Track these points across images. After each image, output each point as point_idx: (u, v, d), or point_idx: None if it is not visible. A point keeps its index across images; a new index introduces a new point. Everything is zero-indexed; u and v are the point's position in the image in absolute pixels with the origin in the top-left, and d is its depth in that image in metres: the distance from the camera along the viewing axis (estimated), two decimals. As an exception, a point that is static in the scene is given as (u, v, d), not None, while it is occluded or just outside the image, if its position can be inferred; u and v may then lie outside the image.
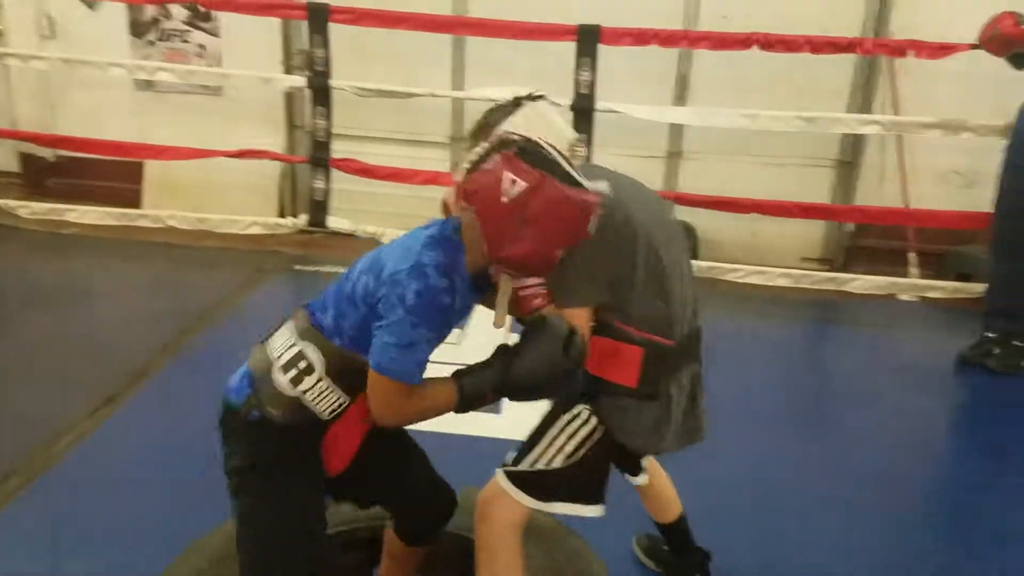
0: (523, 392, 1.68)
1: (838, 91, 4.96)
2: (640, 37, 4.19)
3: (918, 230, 4.88)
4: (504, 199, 1.55)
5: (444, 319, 1.61)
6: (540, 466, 1.85)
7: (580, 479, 1.87)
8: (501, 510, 1.88)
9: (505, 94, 4.40)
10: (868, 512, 2.85)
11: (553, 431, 1.86)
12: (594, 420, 1.85)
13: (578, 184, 1.58)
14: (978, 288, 4.32)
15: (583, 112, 4.32)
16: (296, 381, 1.65)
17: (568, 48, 4.43)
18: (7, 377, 3.47)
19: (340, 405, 1.68)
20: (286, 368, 1.65)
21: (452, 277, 1.59)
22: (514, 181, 1.55)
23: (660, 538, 2.41)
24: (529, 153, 1.58)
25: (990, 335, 3.92)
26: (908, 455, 3.32)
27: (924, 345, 4.29)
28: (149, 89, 5.43)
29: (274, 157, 5.07)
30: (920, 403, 3.70)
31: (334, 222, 4.66)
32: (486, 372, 1.67)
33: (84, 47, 5.23)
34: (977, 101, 4.57)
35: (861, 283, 4.45)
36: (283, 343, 1.68)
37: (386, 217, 4.99)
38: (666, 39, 4.28)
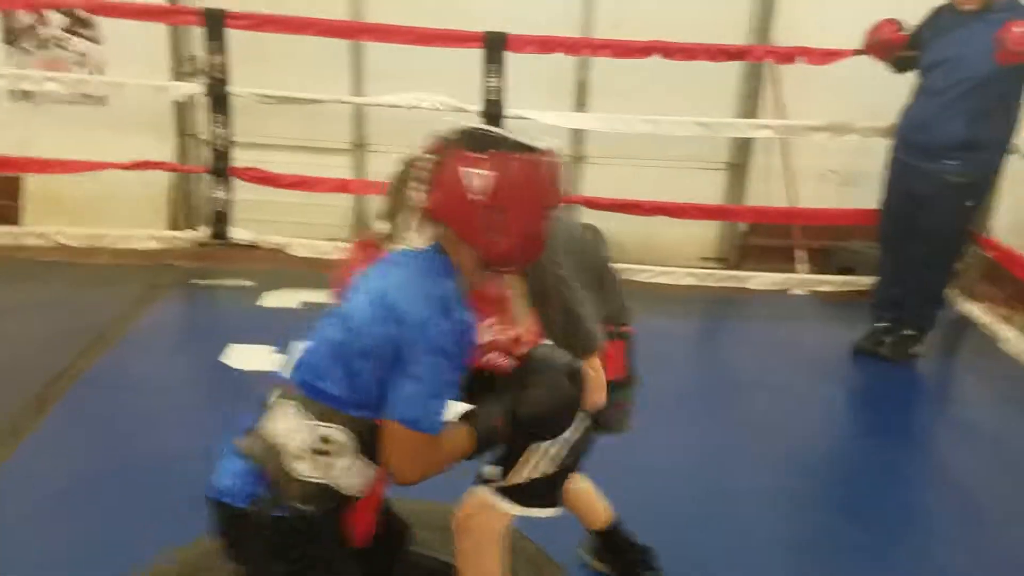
0: (535, 426, 1.62)
1: (726, 96, 5.18)
2: (546, 45, 4.26)
3: (804, 228, 5.15)
4: (473, 197, 1.47)
5: (468, 357, 1.53)
6: (535, 475, 1.86)
7: (554, 482, 1.90)
8: (485, 521, 1.88)
9: (410, 100, 4.42)
10: (779, 496, 3.01)
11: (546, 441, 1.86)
12: (586, 422, 1.89)
13: (530, 147, 1.52)
14: (865, 281, 4.59)
15: (493, 118, 4.34)
16: (327, 467, 1.52)
17: (464, 53, 4.45)
18: None
19: (371, 476, 1.58)
20: (311, 455, 1.51)
21: (468, 308, 1.52)
22: (475, 175, 1.47)
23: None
24: (473, 139, 1.51)
25: (880, 325, 4.18)
26: (814, 440, 3.52)
27: (819, 336, 4.52)
28: (25, 100, 5.11)
29: (172, 168, 4.87)
30: (821, 391, 3.91)
31: (237, 233, 4.51)
32: (495, 409, 1.58)
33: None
34: (853, 104, 4.84)
35: (759, 279, 4.65)
36: (291, 428, 1.52)
37: (291, 227, 4.88)
38: (571, 47, 4.36)
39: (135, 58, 4.98)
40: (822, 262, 5.15)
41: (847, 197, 5.11)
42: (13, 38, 5.05)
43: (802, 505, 3.00)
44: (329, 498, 1.54)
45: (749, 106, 5.15)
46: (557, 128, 4.77)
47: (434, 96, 4.36)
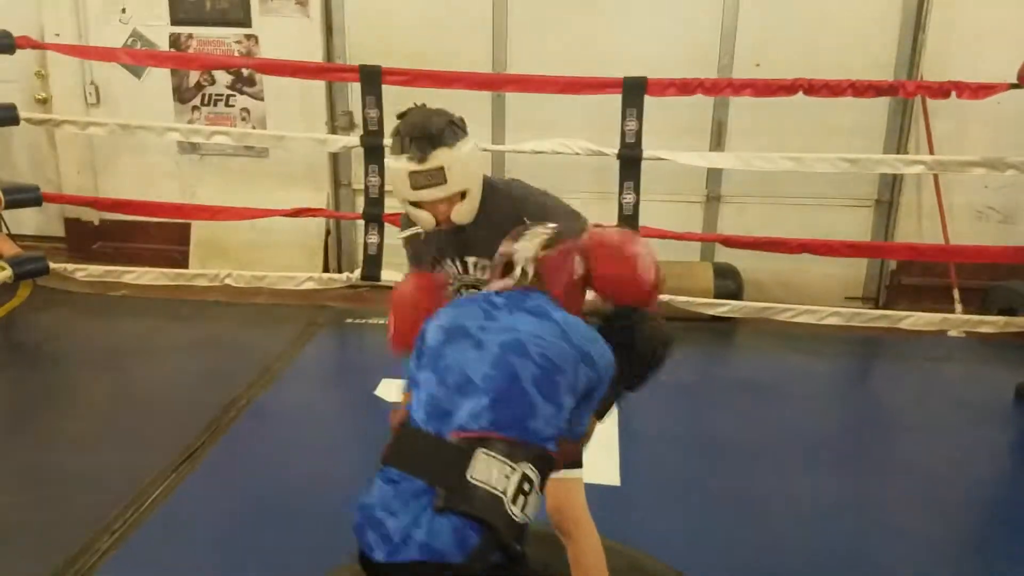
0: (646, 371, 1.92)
1: (872, 132, 5.07)
2: (686, 87, 4.30)
3: (959, 266, 4.94)
4: (572, 267, 1.91)
5: None
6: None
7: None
8: (570, 500, 2.11)
9: (551, 146, 4.53)
10: (935, 543, 2.90)
11: None
12: None
13: None
14: (1028, 321, 4.36)
15: (630, 160, 4.40)
16: (531, 506, 1.61)
17: (604, 97, 4.53)
18: (83, 440, 3.49)
19: None
20: (516, 498, 1.57)
21: None
22: (577, 259, 1.93)
23: None
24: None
25: (1047, 367, 3.96)
26: (976, 487, 3.36)
27: (979, 379, 4.32)
28: (192, 152, 5.54)
29: (329, 215, 5.17)
30: (982, 436, 3.73)
31: (387, 275, 4.71)
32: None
33: (128, 113, 5.34)
34: (1007, 138, 4.67)
35: (912, 320, 4.48)
36: (502, 473, 1.56)
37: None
38: (711, 88, 4.38)
39: (294, 114, 5.34)
40: (979, 302, 4.91)
41: (1006, 235, 4.91)
42: (184, 96, 5.49)
43: (961, 553, 2.89)
44: (526, 535, 1.61)
45: (898, 142, 5.02)
46: (694, 168, 4.81)
47: (573, 141, 4.45)
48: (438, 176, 1.98)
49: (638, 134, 4.36)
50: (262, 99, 5.44)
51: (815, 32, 4.94)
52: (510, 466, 1.57)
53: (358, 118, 5.23)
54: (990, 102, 4.34)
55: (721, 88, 4.44)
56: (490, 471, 1.55)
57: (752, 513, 3.02)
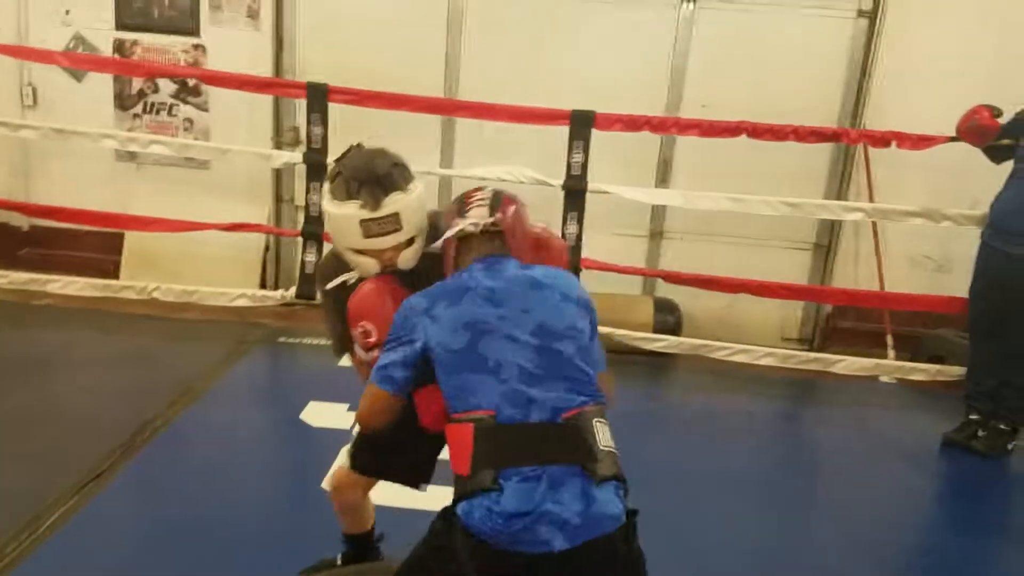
0: None
1: (815, 178, 5.14)
2: (632, 123, 4.32)
3: (893, 313, 5.01)
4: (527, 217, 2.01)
5: None
6: None
7: None
8: None
9: (496, 173, 4.51)
10: None
11: None
12: None
13: None
14: (958, 371, 4.42)
15: (575, 193, 4.40)
16: None
17: (550, 129, 4.53)
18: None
19: None
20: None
21: None
22: (522, 205, 2.01)
23: None
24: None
25: (973, 417, 4.00)
26: (900, 532, 3.37)
27: (908, 426, 4.37)
28: (130, 161, 5.39)
29: (268, 231, 5.07)
30: (908, 482, 3.76)
31: (324, 296, 4.63)
32: None
33: (66, 117, 5.17)
34: (944, 189, 4.76)
35: (846, 364, 4.53)
36: (608, 435, 1.75)
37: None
38: (657, 126, 4.41)
39: (238, 127, 5.24)
40: (911, 349, 4.98)
41: (940, 283, 4.97)
42: (124, 103, 5.36)
43: None
44: None
45: (839, 187, 5.10)
46: (638, 203, 4.82)
47: (519, 169, 4.43)
48: (393, 223, 1.90)
49: (583, 166, 4.36)
50: (207, 110, 5.33)
51: (763, 75, 5.01)
52: (606, 423, 1.75)
53: (304, 134, 5.18)
54: (930, 152, 4.43)
55: (668, 127, 4.48)
56: (605, 435, 1.73)
57: (670, 550, 2.96)
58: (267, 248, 5.44)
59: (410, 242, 1.95)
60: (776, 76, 5.01)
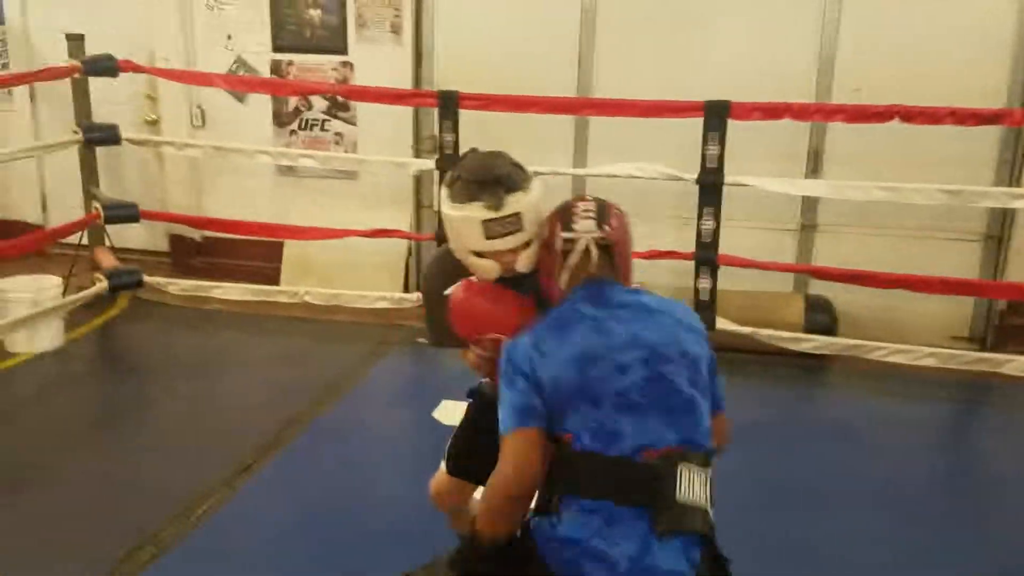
0: None
1: (984, 164, 4.73)
2: (771, 111, 4.12)
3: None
4: (629, 230, 1.91)
5: None
6: None
7: None
8: None
9: (628, 170, 4.40)
10: None
11: None
12: None
13: None
14: None
15: (710, 186, 4.25)
16: (714, 504, 1.69)
17: (692, 121, 4.39)
18: (145, 447, 3.62)
19: None
20: (713, 503, 1.68)
21: None
22: (624, 217, 1.91)
23: None
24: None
25: None
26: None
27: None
28: (290, 175, 5.72)
29: (403, 236, 5.22)
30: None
31: (459, 297, 4.72)
32: None
33: (230, 136, 5.56)
34: None
35: (1017, 364, 4.12)
36: (701, 484, 1.64)
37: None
38: (799, 112, 4.19)
39: (383, 138, 5.44)
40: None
41: None
42: (282, 121, 5.69)
43: None
44: None
45: (1010, 174, 4.66)
46: (788, 196, 4.60)
47: (651, 165, 4.33)
48: (515, 223, 1.84)
49: (720, 159, 4.20)
50: (355, 124, 5.57)
51: (919, 57, 4.66)
52: (705, 475, 1.65)
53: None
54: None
55: (810, 113, 4.25)
56: (693, 486, 1.62)
57: (819, 565, 2.82)
58: (410, 253, 5.61)
59: (527, 244, 1.90)
60: (934, 57, 4.65)
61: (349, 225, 5.12)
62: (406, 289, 5.48)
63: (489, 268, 1.90)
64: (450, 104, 4.50)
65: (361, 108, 5.49)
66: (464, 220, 1.85)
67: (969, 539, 3.08)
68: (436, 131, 4.85)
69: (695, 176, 4.28)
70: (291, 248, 5.69)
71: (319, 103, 5.62)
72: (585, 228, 1.81)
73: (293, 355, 4.63)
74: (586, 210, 1.83)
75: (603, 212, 1.83)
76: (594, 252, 1.80)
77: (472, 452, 2.23)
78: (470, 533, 1.80)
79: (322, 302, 4.97)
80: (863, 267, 4.44)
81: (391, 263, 5.57)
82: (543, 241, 1.87)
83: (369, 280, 5.44)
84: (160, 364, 4.62)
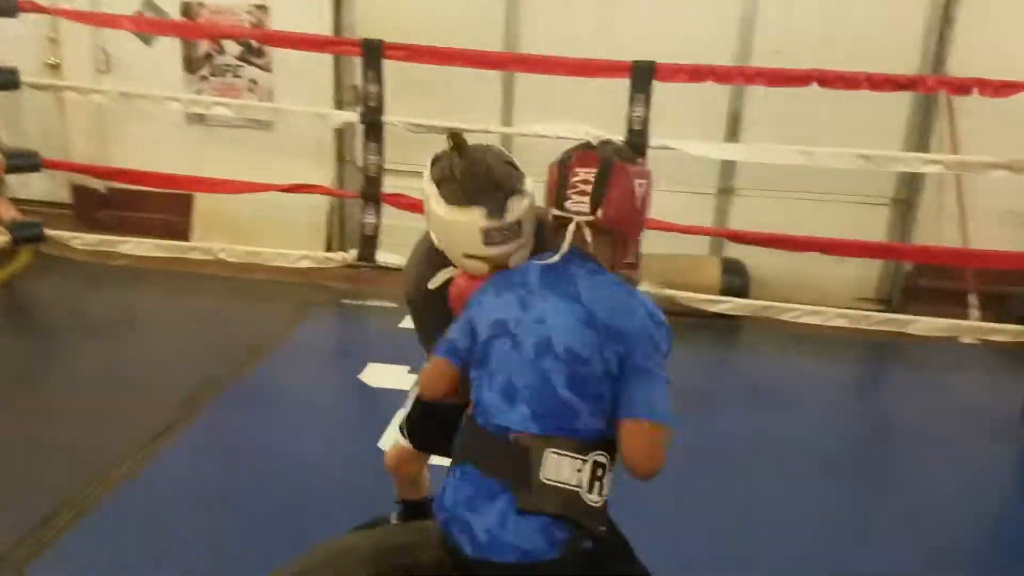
0: None
1: (894, 129, 4.88)
2: (695, 74, 4.15)
3: (978, 271, 4.75)
4: (637, 205, 1.69)
5: None
6: None
7: None
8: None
9: (557, 131, 4.37)
10: (940, 559, 2.78)
11: None
12: None
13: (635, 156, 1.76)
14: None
15: (636, 149, 4.25)
16: (605, 488, 1.64)
17: (616, 83, 4.39)
18: (57, 409, 3.46)
19: None
20: (592, 487, 1.61)
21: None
22: (639, 184, 1.69)
23: None
24: (623, 152, 1.73)
25: (1061, 381, 3.78)
26: (982, 503, 3.22)
27: (990, 390, 4.14)
28: (200, 123, 5.48)
29: (325, 192, 5.08)
30: (989, 449, 3.58)
31: (383, 257, 4.64)
32: None
33: (137, 82, 5.28)
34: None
35: (922, 325, 4.32)
36: (572, 469, 1.59)
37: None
38: (722, 75, 4.23)
39: (301, 87, 5.24)
40: (997, 309, 4.72)
41: (1027, 240, 4.69)
42: (193, 66, 5.43)
43: (960, 569, 2.78)
44: (606, 512, 1.66)
45: (919, 140, 4.83)
46: (707, 160, 4.66)
47: (578, 127, 4.32)
48: (515, 231, 1.77)
49: (645, 121, 4.22)
50: (270, 71, 5.36)
51: (838, 21, 4.75)
52: (580, 459, 1.60)
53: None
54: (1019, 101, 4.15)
55: (732, 76, 4.30)
56: (560, 469, 1.59)
57: (741, 520, 2.91)
58: (332, 209, 5.47)
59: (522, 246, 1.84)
60: (852, 22, 4.74)
61: (264, 178, 4.95)
62: (328, 248, 5.36)
63: (480, 268, 1.83)
64: (374, 54, 4.36)
65: (277, 54, 5.27)
66: (461, 225, 1.76)
67: (892, 484, 3.22)
68: (360, 82, 4.72)
69: (622, 138, 4.27)
70: (202, 202, 5.48)
71: (232, 48, 5.39)
72: (577, 208, 1.67)
73: (209, 314, 4.49)
74: (585, 180, 1.66)
75: (604, 183, 1.65)
76: (586, 233, 1.68)
77: (434, 427, 2.21)
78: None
79: (240, 260, 4.81)
80: (778, 230, 4.56)
81: (312, 220, 5.42)
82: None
83: (288, 237, 5.28)
84: (68, 322, 4.40)
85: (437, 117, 4.54)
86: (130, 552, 2.57)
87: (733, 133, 4.98)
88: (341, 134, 5.35)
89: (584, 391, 1.60)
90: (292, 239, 5.28)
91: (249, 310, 4.59)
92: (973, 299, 4.71)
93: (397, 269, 4.84)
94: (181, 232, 5.42)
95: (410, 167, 5.03)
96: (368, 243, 4.59)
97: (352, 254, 4.77)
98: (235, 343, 4.10)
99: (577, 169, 1.67)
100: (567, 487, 1.59)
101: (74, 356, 3.97)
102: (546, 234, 1.79)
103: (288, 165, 5.25)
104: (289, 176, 5.01)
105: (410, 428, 2.28)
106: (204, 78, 5.44)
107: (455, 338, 1.78)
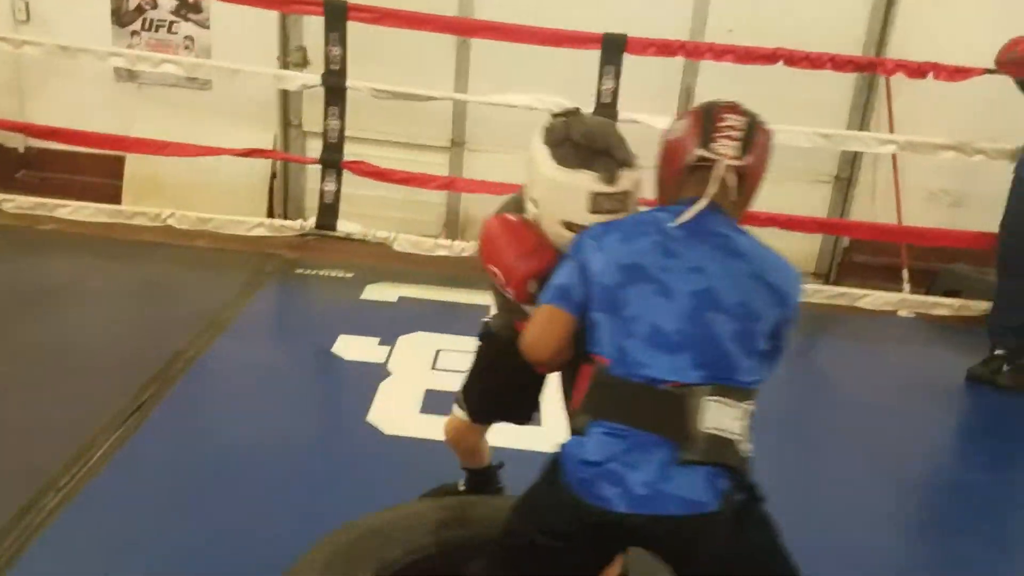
0: None
1: (838, 108, 5.06)
2: (667, 48, 4.19)
3: (908, 247, 5.00)
4: (767, 161, 1.73)
5: None
6: None
7: None
8: None
9: (525, 101, 4.33)
10: (888, 520, 2.91)
11: None
12: None
13: None
14: (979, 306, 4.45)
15: (605, 121, 4.27)
16: (750, 440, 1.60)
17: (575, 54, 4.38)
18: (21, 390, 3.18)
19: None
20: (747, 434, 1.59)
21: None
22: (771, 143, 1.73)
23: None
24: (750, 112, 1.74)
25: (999, 352, 4.02)
26: (926, 467, 3.42)
27: (931, 360, 4.38)
28: (130, 80, 5.16)
29: (282, 158, 4.88)
30: (934, 417, 3.79)
31: (344, 226, 4.49)
32: None
33: (61, 34, 4.90)
34: (960, 121, 4.70)
35: (871, 299, 4.52)
36: (732, 418, 1.56)
37: (392, 222, 4.84)
38: (692, 51, 4.28)
39: (243, 45, 4.99)
40: (926, 283, 5.00)
41: (955, 218, 4.97)
42: (122, 19, 5.09)
43: (910, 529, 2.95)
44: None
45: (861, 119, 5.03)
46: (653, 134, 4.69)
47: (546, 97, 4.29)
48: (622, 202, 1.73)
49: (614, 94, 4.23)
50: (208, 27, 5.08)
51: (786, 3, 4.86)
52: (739, 407, 1.57)
53: (312, 55, 4.98)
54: (948, 85, 4.37)
55: (702, 52, 4.35)
56: (721, 418, 1.55)
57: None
58: (274, 175, 5.26)
59: None
60: (802, 2, 4.87)
61: (202, 141, 4.71)
62: (270, 214, 5.16)
63: (567, 240, 1.76)
64: (337, 15, 4.19)
65: (215, 10, 5.01)
66: (570, 187, 1.72)
67: (840, 450, 3.35)
68: (309, 42, 4.54)
69: (591, 111, 4.27)
70: (135, 164, 5.17)
71: (166, 3, 5.08)
72: (727, 150, 1.65)
73: (156, 284, 4.25)
74: (733, 126, 1.66)
75: (752, 132, 1.67)
76: (730, 180, 1.65)
77: (494, 398, 2.18)
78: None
79: (189, 227, 4.57)
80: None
81: (252, 185, 5.21)
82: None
83: (226, 203, 5.06)
84: (6, 292, 4.07)
85: (388, 83, 4.43)
86: (116, 537, 2.43)
87: (686, 108, 5.03)
88: (287, 96, 5.14)
89: (750, 346, 1.59)
90: (231, 205, 5.05)
91: (197, 279, 4.37)
92: (905, 274, 4.97)
93: (346, 238, 4.73)
94: (110, 196, 5.09)
95: (359, 133, 4.88)
96: (328, 211, 4.45)
97: (305, 222, 4.61)
98: (190, 314, 3.87)
99: (725, 115, 1.68)
100: (727, 436, 1.55)
101: (22, 328, 3.66)
102: (668, 183, 1.76)
103: (226, 128, 5.01)
104: (227, 140, 4.78)
105: (467, 398, 2.24)
106: (135, 33, 5.12)
107: (565, 283, 1.67)
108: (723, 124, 1.66)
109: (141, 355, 3.46)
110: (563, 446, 1.64)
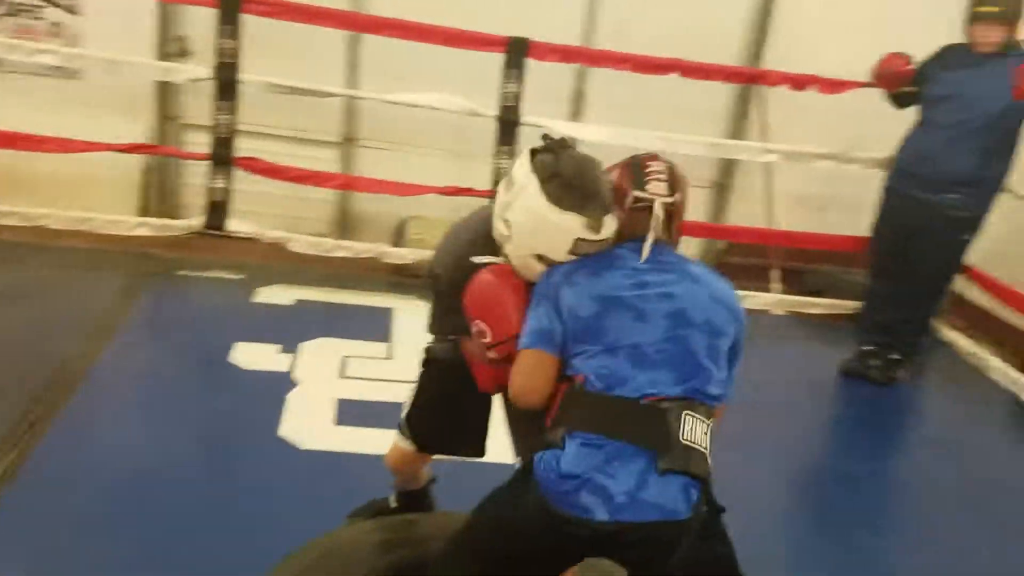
0: None
1: (717, 116, 5.29)
2: (568, 55, 4.25)
3: (780, 249, 5.29)
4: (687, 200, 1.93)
5: None
6: None
7: None
8: None
9: (430, 100, 4.27)
10: (764, 511, 3.03)
11: None
12: None
13: None
14: (847, 304, 4.77)
15: (509, 124, 4.29)
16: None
17: (469, 55, 4.37)
18: None
19: None
20: (710, 453, 1.70)
21: None
22: (687, 180, 1.93)
23: None
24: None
25: (868, 348, 4.32)
26: (808, 458, 3.64)
27: (804, 356, 4.66)
28: (-14, 67, 4.70)
29: (167, 153, 4.58)
30: (811, 409, 4.06)
31: (235, 225, 4.28)
32: None
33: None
34: (824, 131, 4.97)
35: (752, 300, 4.75)
36: (702, 432, 1.68)
37: (278, 220, 4.66)
38: (592, 58, 4.36)
39: (116, 34, 4.66)
40: (797, 284, 5.30)
41: (821, 222, 5.29)
42: (-22, 2, 4.64)
43: (807, 524, 3.10)
44: None
45: (736, 128, 5.27)
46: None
47: (449, 98, 4.26)
48: (600, 245, 1.79)
49: (517, 97, 4.25)
50: (76, 13, 4.71)
51: (673, 7, 4.98)
52: (707, 424, 1.69)
53: (194, 45, 4.72)
54: (814, 96, 4.64)
55: (602, 60, 4.44)
56: (695, 431, 1.66)
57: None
58: (148, 171, 4.94)
59: None
60: (685, 9, 4.98)
61: (68, 133, 4.34)
62: (145, 212, 4.84)
63: (537, 272, 1.82)
64: (232, 7, 3.99)
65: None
66: (559, 228, 1.75)
67: (722, 446, 3.50)
68: (191, 32, 4.28)
69: (495, 113, 4.27)
70: (-10, 157, 4.71)
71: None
72: (658, 191, 1.82)
73: (27, 288, 3.89)
74: (659, 172, 1.84)
75: (674, 177, 1.86)
76: (661, 216, 1.80)
77: (439, 425, 2.13)
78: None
79: (64, 227, 4.21)
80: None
81: (124, 181, 4.87)
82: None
83: (94, 200, 4.70)
84: None
85: (275, 76, 4.27)
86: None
87: (576, 113, 5.13)
88: (164, 88, 4.84)
89: (718, 361, 1.74)
90: (97, 203, 4.70)
91: (70, 283, 4.04)
92: (775, 274, 5.26)
93: (248, 239, 4.52)
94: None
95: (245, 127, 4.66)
96: (217, 209, 4.22)
97: (192, 221, 4.36)
98: (70, 322, 3.60)
99: (649, 163, 1.86)
100: (699, 448, 1.67)
101: None
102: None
103: (93, 120, 4.64)
104: (97, 133, 4.43)
105: (411, 426, 2.17)
106: (-6, 16, 4.67)
107: (547, 327, 1.75)
108: (650, 170, 1.84)
109: (25, 366, 3.19)
110: (537, 459, 1.67)
